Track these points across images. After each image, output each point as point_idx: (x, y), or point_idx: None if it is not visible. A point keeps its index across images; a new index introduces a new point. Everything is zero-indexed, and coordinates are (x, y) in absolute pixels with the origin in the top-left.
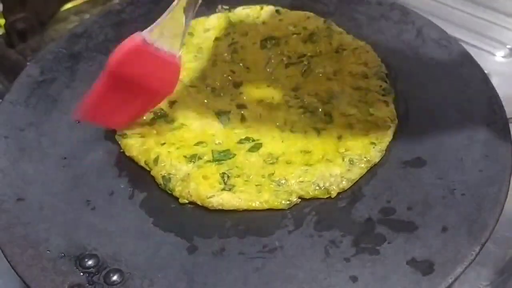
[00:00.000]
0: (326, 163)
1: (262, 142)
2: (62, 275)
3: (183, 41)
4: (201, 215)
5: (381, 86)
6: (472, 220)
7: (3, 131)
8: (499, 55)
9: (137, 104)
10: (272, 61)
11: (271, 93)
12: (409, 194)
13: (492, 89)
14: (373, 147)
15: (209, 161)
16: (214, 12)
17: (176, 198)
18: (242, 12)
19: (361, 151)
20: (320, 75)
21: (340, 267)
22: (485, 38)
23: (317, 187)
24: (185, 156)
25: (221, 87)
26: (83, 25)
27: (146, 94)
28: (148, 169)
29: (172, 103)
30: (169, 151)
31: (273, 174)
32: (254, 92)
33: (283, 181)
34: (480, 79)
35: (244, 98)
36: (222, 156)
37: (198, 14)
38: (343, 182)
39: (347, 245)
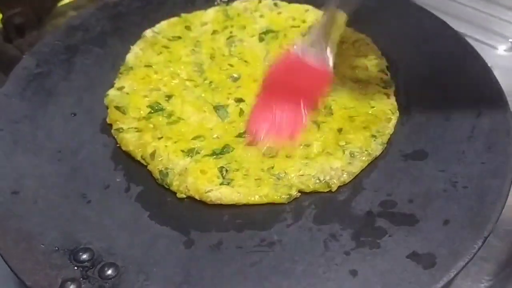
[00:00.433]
0: (327, 156)
1: None
2: (56, 269)
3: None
4: (198, 209)
5: (381, 78)
6: (474, 213)
7: None
8: (501, 48)
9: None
10: (271, 54)
11: None
12: (410, 187)
13: (495, 82)
14: (374, 140)
15: (207, 155)
16: (212, 5)
17: (173, 192)
18: (240, 5)
19: (362, 144)
20: None
21: (339, 261)
22: (487, 31)
23: (318, 181)
24: (182, 151)
25: (219, 81)
26: (80, 18)
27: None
28: (145, 163)
29: (169, 97)
30: (166, 145)
31: (272, 167)
32: (252, 85)
33: (282, 175)
34: (483, 72)
35: (242, 91)
36: (220, 150)
37: (195, 8)
38: (344, 175)
39: (347, 238)
